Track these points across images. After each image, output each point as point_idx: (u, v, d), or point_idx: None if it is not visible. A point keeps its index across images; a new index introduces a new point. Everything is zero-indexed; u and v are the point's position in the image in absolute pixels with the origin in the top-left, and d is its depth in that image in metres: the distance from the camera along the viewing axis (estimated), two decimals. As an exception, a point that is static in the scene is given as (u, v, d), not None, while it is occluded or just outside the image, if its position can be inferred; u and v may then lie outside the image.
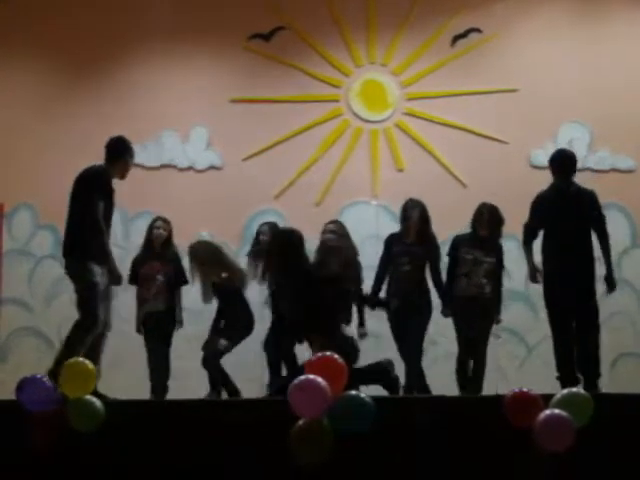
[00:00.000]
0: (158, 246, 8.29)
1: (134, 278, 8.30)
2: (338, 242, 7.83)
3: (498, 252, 7.98)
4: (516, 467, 5.74)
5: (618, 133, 10.09)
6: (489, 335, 7.92)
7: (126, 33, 10.33)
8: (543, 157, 10.05)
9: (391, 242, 8.05)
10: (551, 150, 10.02)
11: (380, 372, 7.10)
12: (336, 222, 8.28)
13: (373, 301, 7.78)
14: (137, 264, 8.33)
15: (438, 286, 8.01)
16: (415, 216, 7.97)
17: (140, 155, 10.06)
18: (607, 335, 9.67)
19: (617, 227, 9.92)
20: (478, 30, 10.34)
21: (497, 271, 7.95)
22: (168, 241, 8.34)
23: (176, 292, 8.24)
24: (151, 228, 8.36)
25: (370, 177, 10.00)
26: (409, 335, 7.82)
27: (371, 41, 10.40)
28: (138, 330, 8.20)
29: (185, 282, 8.27)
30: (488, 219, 7.91)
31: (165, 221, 8.35)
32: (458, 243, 7.96)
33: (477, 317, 7.80)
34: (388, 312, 7.88)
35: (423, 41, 10.33)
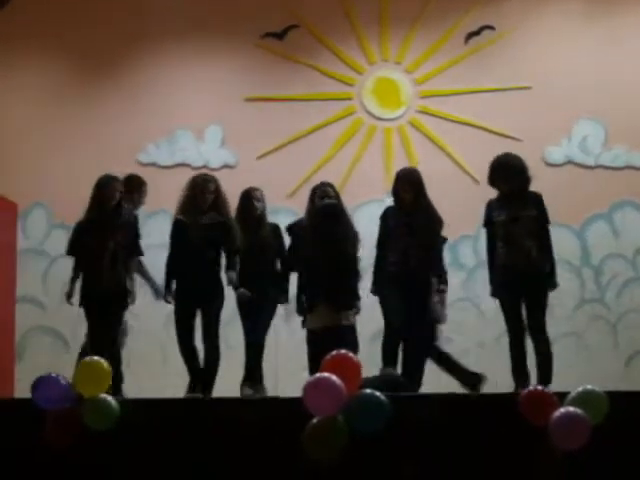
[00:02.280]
0: (110, 208, 7.49)
1: (76, 248, 7.52)
2: None
3: (537, 203, 7.03)
4: (531, 465, 5.72)
5: (633, 130, 10.06)
6: (545, 310, 6.93)
7: (139, 32, 10.36)
8: (557, 154, 10.09)
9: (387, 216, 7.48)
10: (566, 147, 10.11)
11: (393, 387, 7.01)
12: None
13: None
14: (82, 231, 7.50)
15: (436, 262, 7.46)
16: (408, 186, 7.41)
17: (154, 154, 10.18)
18: (622, 333, 9.74)
19: (632, 225, 9.93)
20: (491, 27, 10.33)
21: (541, 226, 6.98)
22: (120, 203, 7.56)
23: (130, 264, 7.52)
24: (104, 186, 7.51)
25: (383, 175, 9.97)
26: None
27: (384, 39, 10.40)
28: (82, 305, 7.45)
29: (140, 253, 7.66)
30: (505, 171, 7.13)
31: (118, 180, 7.62)
32: (491, 208, 7.15)
33: (525, 289, 6.90)
34: None
35: (436, 39, 10.32)
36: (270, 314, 7.71)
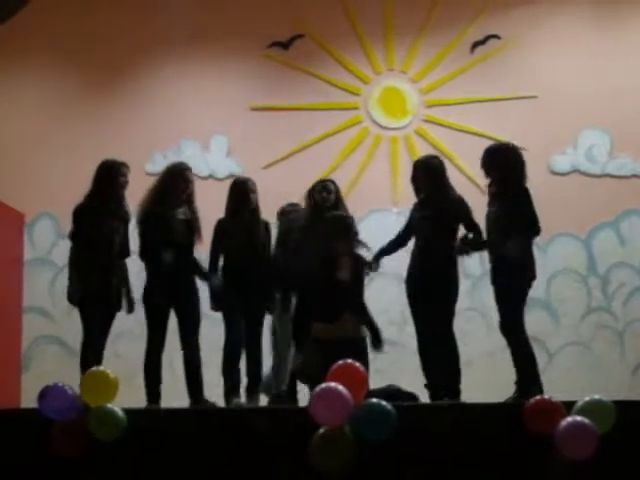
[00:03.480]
0: (118, 196, 7.05)
1: (78, 233, 6.99)
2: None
3: (517, 198, 6.75)
4: (538, 475, 5.71)
5: (639, 139, 10.05)
6: (517, 304, 6.75)
7: (144, 43, 10.39)
8: (563, 163, 10.09)
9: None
10: (571, 156, 10.10)
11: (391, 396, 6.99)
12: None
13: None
14: (85, 216, 6.97)
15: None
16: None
17: (160, 164, 10.15)
18: (629, 342, 9.72)
19: (639, 233, 9.91)
20: (497, 37, 10.35)
21: (508, 219, 6.69)
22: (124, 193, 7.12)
23: (122, 264, 7.11)
24: (116, 174, 7.00)
25: (390, 184, 9.99)
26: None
27: (390, 48, 10.42)
28: (75, 301, 6.98)
29: (127, 254, 7.15)
30: (488, 162, 6.94)
31: (128, 168, 7.17)
32: None
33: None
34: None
35: (442, 48, 10.34)
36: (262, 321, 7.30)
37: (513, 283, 6.73)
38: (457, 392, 6.94)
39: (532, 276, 6.87)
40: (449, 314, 6.98)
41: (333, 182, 7.76)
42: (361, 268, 7.00)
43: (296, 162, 10.16)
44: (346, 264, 6.89)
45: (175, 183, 7.07)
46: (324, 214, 7.26)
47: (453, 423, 5.89)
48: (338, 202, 7.65)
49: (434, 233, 6.96)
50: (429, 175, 7.14)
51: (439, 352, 6.95)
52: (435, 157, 7.49)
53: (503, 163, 6.91)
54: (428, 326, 6.97)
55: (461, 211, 7.05)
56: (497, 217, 6.82)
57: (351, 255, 6.96)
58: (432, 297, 6.90)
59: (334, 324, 6.78)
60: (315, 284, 6.90)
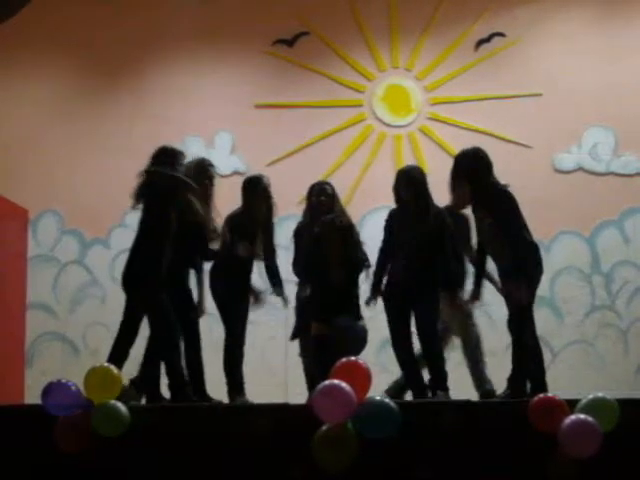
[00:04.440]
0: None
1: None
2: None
3: (500, 203, 6.80)
4: (541, 473, 5.70)
5: (644, 137, 10.05)
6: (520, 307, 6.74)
7: (148, 40, 10.39)
8: (567, 161, 10.06)
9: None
10: (576, 154, 10.08)
11: None
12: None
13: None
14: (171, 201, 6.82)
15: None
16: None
17: (164, 161, 10.16)
18: (632, 340, 9.71)
19: (643, 233, 9.91)
20: (502, 34, 10.33)
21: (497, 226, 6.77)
22: None
23: None
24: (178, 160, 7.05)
25: (394, 182, 9.96)
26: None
27: (394, 46, 10.41)
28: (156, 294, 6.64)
29: None
30: (463, 166, 7.02)
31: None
32: None
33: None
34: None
35: (447, 46, 10.33)
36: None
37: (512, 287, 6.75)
38: (446, 389, 6.98)
39: (537, 278, 6.85)
40: (435, 314, 7.02)
41: (331, 185, 7.82)
42: (356, 272, 7.14)
43: (300, 159, 10.16)
44: (340, 268, 7.01)
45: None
46: (321, 217, 7.37)
47: (457, 420, 5.89)
48: (335, 205, 7.69)
49: (417, 244, 6.95)
50: (410, 186, 7.12)
51: (425, 352, 7.04)
52: (417, 167, 7.52)
53: (479, 167, 6.94)
54: (407, 326, 7.00)
55: (441, 230, 7.04)
56: (490, 225, 6.81)
57: (346, 259, 7.07)
58: (417, 300, 6.95)
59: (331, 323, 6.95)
60: (313, 285, 7.13)
